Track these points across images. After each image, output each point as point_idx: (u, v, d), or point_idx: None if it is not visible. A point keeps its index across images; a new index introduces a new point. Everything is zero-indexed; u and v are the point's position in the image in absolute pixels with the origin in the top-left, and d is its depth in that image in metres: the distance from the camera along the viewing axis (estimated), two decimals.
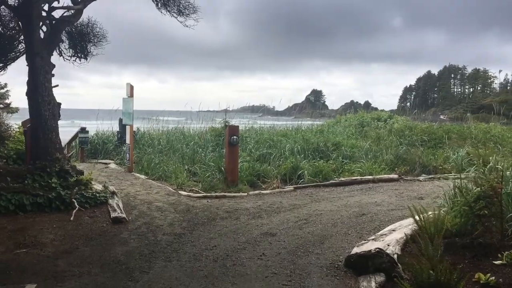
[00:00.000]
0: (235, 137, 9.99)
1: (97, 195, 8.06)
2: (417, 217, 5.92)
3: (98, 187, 9.05)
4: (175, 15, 9.06)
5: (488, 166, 5.99)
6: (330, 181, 10.24)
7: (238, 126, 10.58)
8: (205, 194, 9.36)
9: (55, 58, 9.13)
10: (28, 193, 7.51)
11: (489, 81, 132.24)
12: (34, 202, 7.46)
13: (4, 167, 8.01)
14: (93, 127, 16.57)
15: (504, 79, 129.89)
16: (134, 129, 14.56)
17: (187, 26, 9.26)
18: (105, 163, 13.78)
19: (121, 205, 7.85)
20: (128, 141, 12.23)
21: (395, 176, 10.63)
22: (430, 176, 10.75)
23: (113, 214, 7.22)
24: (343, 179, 10.33)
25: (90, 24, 8.91)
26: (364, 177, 10.45)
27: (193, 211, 7.95)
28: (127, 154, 12.26)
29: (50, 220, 7.05)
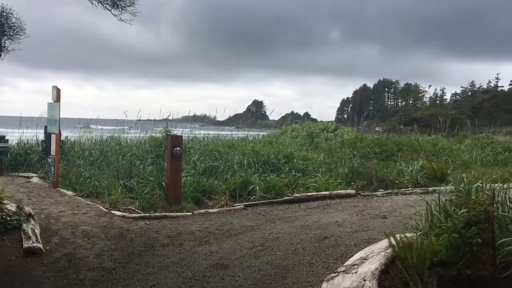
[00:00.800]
0: (178, 148, 8.82)
1: (8, 218, 6.61)
2: (393, 243, 5.10)
3: (11, 207, 7.54)
4: (108, 7, 7.78)
5: (475, 185, 5.26)
6: (284, 198, 9.31)
7: (181, 136, 9.41)
8: (143, 214, 8.10)
9: None
10: None
11: (420, 95, 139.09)
12: None
13: None
14: (17, 136, 14.69)
15: (434, 93, 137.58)
16: (63, 138, 12.96)
17: (122, 20, 7.99)
18: (27, 177, 12.05)
19: (38, 231, 6.44)
20: (53, 152, 10.67)
21: (352, 191, 9.89)
22: (388, 191, 10.11)
23: (26, 244, 5.82)
24: (297, 195, 9.43)
25: (4, 14, 7.44)
26: (320, 192, 9.61)
27: (128, 236, 6.69)
28: (52, 167, 10.69)
29: None
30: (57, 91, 10.54)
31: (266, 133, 21.63)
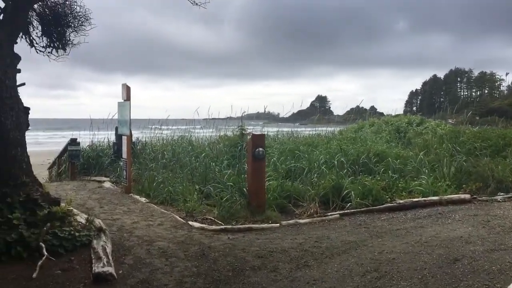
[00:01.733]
0: (261, 149, 7.69)
1: (77, 234, 5.79)
2: None
3: (81, 218, 6.79)
4: None
5: None
6: (384, 205, 7.92)
7: (264, 135, 8.27)
8: (224, 226, 7.05)
9: (24, 50, 6.93)
10: None
11: (497, 84, 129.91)
12: None
13: None
14: (89, 138, 14.33)
15: None
16: (134, 139, 12.32)
17: (197, 4, 7.04)
18: (99, 181, 11.51)
19: (109, 250, 5.55)
20: (124, 155, 9.97)
21: (466, 196, 8.27)
22: (510, 195, 8.39)
23: (96, 268, 4.91)
24: (401, 201, 7.99)
25: (68, 3, 6.67)
26: (428, 198, 8.10)
27: (210, 255, 5.64)
28: (124, 171, 9.99)
29: (3, 277, 4.77)
30: (126, 90, 9.81)
31: (331, 128, 19.97)
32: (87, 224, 6.21)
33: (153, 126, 15.68)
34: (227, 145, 12.01)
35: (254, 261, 5.43)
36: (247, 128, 12.57)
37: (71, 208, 6.26)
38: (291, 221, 7.34)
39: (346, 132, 17.07)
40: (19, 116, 6.23)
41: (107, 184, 10.89)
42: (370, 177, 8.98)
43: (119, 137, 11.04)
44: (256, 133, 9.10)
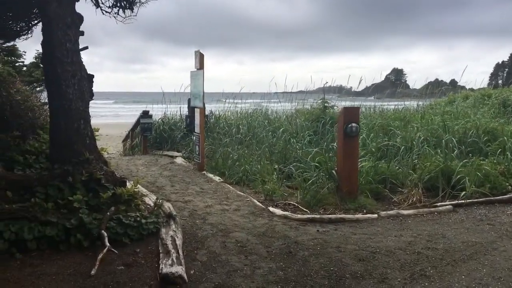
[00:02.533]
0: (354, 125, 6.48)
1: (143, 221, 4.99)
2: None
3: (150, 201, 6.05)
4: None
5: None
6: (508, 195, 6.45)
7: (358, 109, 7.03)
8: (311, 215, 5.98)
9: (89, 12, 6.17)
10: (34, 220, 4.61)
11: None
12: (41, 236, 4.56)
13: (5, 175, 5.19)
14: (161, 111, 13.76)
15: None
16: (207, 112, 11.54)
17: None
18: (171, 157, 10.88)
19: (179, 242, 4.70)
20: (197, 129, 9.15)
21: None
22: None
23: (163, 266, 4.06)
24: None
25: None
26: None
27: (298, 254, 4.62)
28: (197, 147, 9.20)
29: (58, 272, 4.07)
30: (200, 57, 8.91)
31: (408, 103, 17.82)
32: (155, 208, 5.41)
33: (226, 100, 14.84)
34: (307, 119, 10.85)
35: (355, 266, 4.32)
36: (330, 101, 11.29)
37: (138, 189, 5.48)
38: (391, 212, 6.11)
39: (436, 107, 15.22)
40: (82, 85, 5.49)
41: (179, 160, 10.20)
42: (486, 160, 7.45)
43: (191, 110, 10.26)
44: (349, 106, 7.86)
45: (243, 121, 11.48)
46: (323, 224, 5.68)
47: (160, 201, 5.57)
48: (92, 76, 5.82)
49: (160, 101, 13.89)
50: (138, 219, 4.98)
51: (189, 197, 6.93)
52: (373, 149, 8.41)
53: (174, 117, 13.11)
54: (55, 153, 5.49)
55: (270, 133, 10.50)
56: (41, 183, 5.10)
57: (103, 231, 4.65)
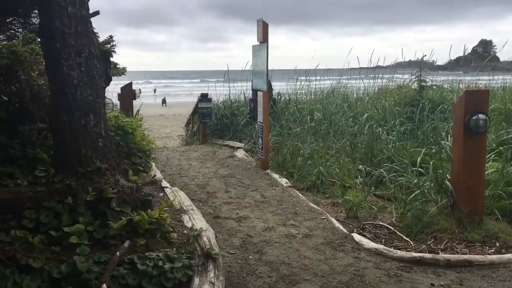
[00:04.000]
0: (481, 116, 4.40)
1: (167, 267, 3.36)
2: None
3: (191, 218, 4.48)
4: None
5: None
6: None
7: (488, 92, 4.90)
8: (419, 254, 4.04)
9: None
10: (11, 263, 3.18)
11: None
12: None
13: None
14: (226, 92, 12.10)
15: None
16: (274, 94, 9.77)
17: None
18: (232, 147, 9.28)
19: None
20: (260, 117, 7.41)
21: None
22: None
23: None
24: None
25: None
26: None
27: None
28: (260, 139, 7.49)
29: None
30: (263, 28, 7.11)
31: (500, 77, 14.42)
32: (189, 242, 3.79)
33: (299, 78, 12.82)
34: (398, 102, 8.71)
35: None
36: (425, 78, 9.01)
37: (166, 215, 3.87)
38: None
39: None
40: (92, 65, 3.94)
41: (240, 153, 8.56)
42: None
43: (254, 92, 8.53)
44: (472, 90, 5.70)
45: (318, 105, 9.56)
46: (438, 270, 3.76)
47: (197, 231, 3.92)
48: (109, 54, 4.31)
49: (237, 79, 11.96)
50: (161, 263, 3.37)
51: (245, 211, 5.26)
52: (493, 144, 6.20)
53: (238, 99, 11.47)
54: (58, 158, 4.03)
55: (350, 119, 8.53)
56: (34, 203, 3.66)
57: (105, 285, 3.11)
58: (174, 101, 36.45)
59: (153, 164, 7.17)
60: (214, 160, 8.15)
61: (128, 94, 9.50)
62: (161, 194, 5.69)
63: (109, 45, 11.56)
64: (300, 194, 5.94)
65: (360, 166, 6.40)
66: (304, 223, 4.88)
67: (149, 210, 3.88)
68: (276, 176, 6.81)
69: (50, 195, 3.72)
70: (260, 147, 7.47)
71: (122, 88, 9.53)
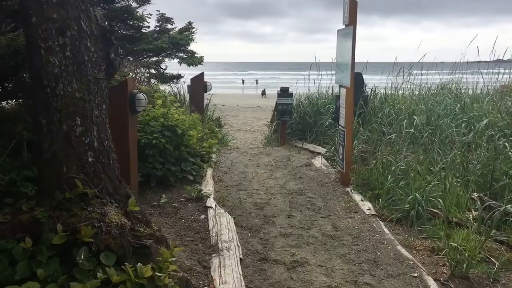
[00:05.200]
0: None
1: None
2: None
3: (230, 270, 3.21)
4: None
5: None
6: None
7: None
8: None
9: None
10: None
11: None
12: None
13: None
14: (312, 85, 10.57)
15: None
16: (367, 90, 8.14)
17: None
18: (312, 152, 7.85)
19: None
20: (342, 121, 5.88)
21: None
22: None
23: None
24: None
25: None
26: None
27: None
28: (341, 147, 5.96)
29: None
30: (350, 7, 5.54)
31: None
32: None
33: (401, 71, 10.83)
34: None
35: None
36: None
37: (175, 266, 2.64)
38: None
39: None
40: (82, 48, 2.81)
41: (319, 161, 7.09)
42: None
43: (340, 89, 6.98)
44: None
45: (421, 105, 7.72)
46: None
47: None
48: (111, 32, 3.10)
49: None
50: None
51: (305, 251, 3.86)
52: None
53: (325, 95, 9.93)
54: (38, 180, 2.98)
55: (463, 125, 6.63)
56: None
57: None
58: (274, 92, 35.73)
59: (209, 171, 6.01)
60: (287, 168, 6.79)
61: (198, 86, 8.50)
62: (202, 216, 4.48)
63: (187, 32, 10.72)
64: (386, 229, 4.37)
65: (475, 194, 4.65)
66: (385, 282, 3.35)
67: (149, 261, 2.68)
68: (357, 197, 5.27)
69: (12, 230, 2.68)
70: (340, 157, 5.96)
71: (192, 80, 8.56)
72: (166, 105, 6.39)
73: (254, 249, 3.89)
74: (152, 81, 10.88)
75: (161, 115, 5.60)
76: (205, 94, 8.86)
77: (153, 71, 10.68)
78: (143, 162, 5.26)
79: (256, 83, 52.87)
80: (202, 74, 8.67)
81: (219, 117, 12.94)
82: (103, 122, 2.99)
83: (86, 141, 2.85)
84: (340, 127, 6.01)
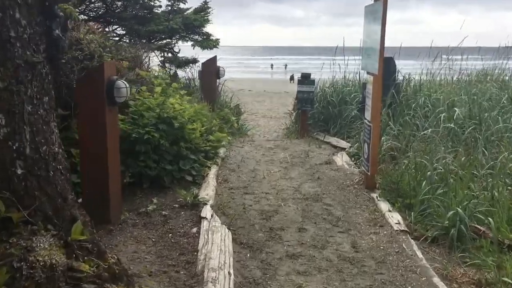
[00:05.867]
0: None
1: None
2: None
3: None
4: None
5: None
6: None
7: None
8: None
9: None
10: None
11: None
12: None
13: None
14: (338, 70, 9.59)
15: None
16: (398, 78, 7.20)
17: None
18: (334, 147, 7.01)
19: None
20: (368, 114, 4.99)
21: None
22: None
23: None
24: None
25: None
26: None
27: None
28: (365, 145, 5.08)
29: None
30: None
31: None
32: None
33: (437, 55, 9.68)
34: None
35: None
36: None
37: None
38: None
39: None
40: (6, 19, 2.06)
41: (341, 158, 6.22)
42: None
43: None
44: None
45: (461, 96, 6.73)
46: None
47: None
48: (67, 16, 2.34)
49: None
50: None
51: (315, 282, 3.07)
52: None
53: (352, 82, 8.98)
54: None
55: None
56: None
57: None
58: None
59: (213, 170, 5.26)
60: (304, 166, 5.98)
61: (210, 72, 7.71)
62: (194, 230, 3.74)
63: (203, 13, 9.92)
64: (418, 252, 3.52)
65: None
66: None
67: None
68: (384, 206, 4.42)
69: None
70: (365, 156, 5.09)
71: (203, 64, 7.79)
72: (168, 93, 5.65)
73: (251, 276, 3.13)
74: (167, 65, 10.20)
75: (156, 105, 4.86)
76: (218, 80, 8.07)
77: (168, 54, 9.97)
78: (134, 159, 4.55)
79: (285, 68, 52.00)
80: (214, 58, 7.87)
81: (238, 104, 12.18)
82: (41, 120, 2.25)
83: (14, 147, 2.13)
84: (365, 120, 5.12)
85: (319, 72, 9.56)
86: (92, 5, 10.84)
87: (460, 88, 7.42)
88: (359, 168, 5.74)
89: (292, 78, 33.44)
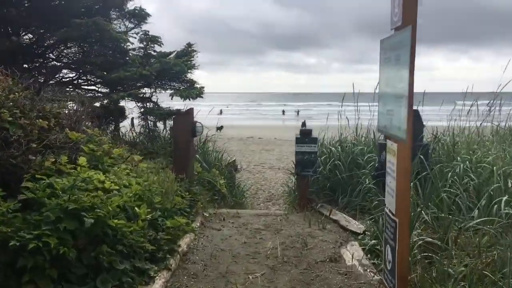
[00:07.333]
0: None
1: None
2: None
3: None
4: None
5: None
6: None
7: None
8: None
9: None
10: None
11: None
12: None
13: None
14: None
15: None
16: (426, 138, 5.51)
17: None
18: (343, 230, 5.22)
19: None
20: (392, 204, 3.22)
21: None
22: None
23: None
24: None
25: None
26: None
27: None
28: (388, 248, 3.30)
29: None
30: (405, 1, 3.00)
31: None
32: None
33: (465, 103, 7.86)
34: None
35: None
36: None
37: None
38: None
39: None
40: None
41: (351, 255, 4.41)
42: None
43: (381, 146, 4.41)
44: None
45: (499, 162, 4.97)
46: None
47: None
48: None
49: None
50: None
51: None
52: None
53: (366, 138, 7.27)
54: None
55: None
56: None
57: None
58: (314, 124, 33.54)
59: (159, 282, 3.50)
60: (299, 265, 4.18)
61: (182, 129, 6.05)
62: None
63: (185, 57, 8.41)
64: None
65: None
66: None
67: None
68: None
69: None
70: (389, 266, 3.28)
71: (174, 119, 6.18)
72: (105, 163, 4.02)
73: None
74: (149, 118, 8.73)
75: (68, 189, 3.20)
76: (195, 138, 6.42)
77: (148, 104, 8.47)
78: (16, 280, 2.85)
79: (297, 114, 51.23)
80: (190, 111, 6.21)
81: (234, 160, 10.71)
82: None
83: None
84: (387, 211, 3.35)
85: (330, 119, 7.88)
86: (67, 50, 9.51)
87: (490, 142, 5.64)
88: (378, 271, 3.93)
89: (303, 124, 32.23)
